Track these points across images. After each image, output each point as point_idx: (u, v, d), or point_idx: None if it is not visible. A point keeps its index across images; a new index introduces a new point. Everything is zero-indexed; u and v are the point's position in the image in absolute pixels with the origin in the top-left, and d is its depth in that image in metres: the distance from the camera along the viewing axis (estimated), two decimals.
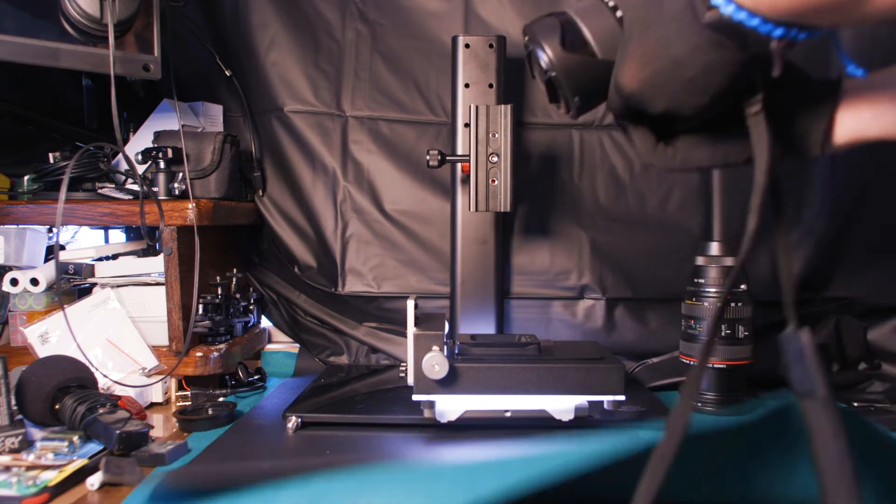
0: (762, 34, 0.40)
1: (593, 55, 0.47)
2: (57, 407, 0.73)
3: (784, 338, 0.42)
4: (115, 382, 0.84)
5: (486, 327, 1.01)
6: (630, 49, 0.46)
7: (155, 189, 0.94)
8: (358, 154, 1.09)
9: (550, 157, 1.07)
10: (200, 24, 1.10)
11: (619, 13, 0.46)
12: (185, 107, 1.03)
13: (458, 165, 0.98)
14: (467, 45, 0.96)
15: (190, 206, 0.90)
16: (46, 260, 0.99)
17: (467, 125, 0.91)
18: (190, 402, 0.90)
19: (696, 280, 0.89)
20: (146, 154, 0.94)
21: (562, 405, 0.77)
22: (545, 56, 0.47)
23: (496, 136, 0.88)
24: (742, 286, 0.87)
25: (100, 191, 0.96)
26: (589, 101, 0.49)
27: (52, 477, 0.62)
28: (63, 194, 0.84)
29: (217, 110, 1.10)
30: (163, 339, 0.92)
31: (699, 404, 0.88)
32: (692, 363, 0.89)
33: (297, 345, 1.15)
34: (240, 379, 0.99)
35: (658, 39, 0.44)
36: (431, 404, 0.76)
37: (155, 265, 0.94)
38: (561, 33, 0.47)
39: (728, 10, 0.40)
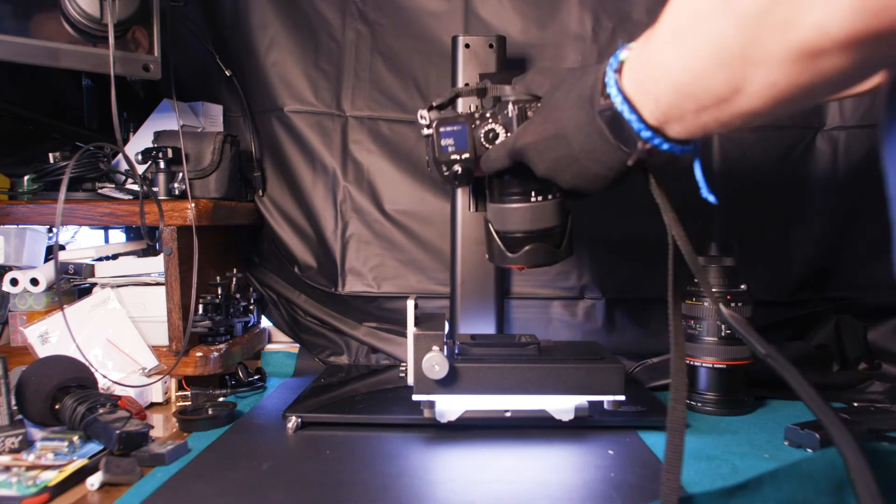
0: (634, 131, 0.47)
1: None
2: (57, 407, 0.73)
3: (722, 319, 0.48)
4: (115, 382, 0.84)
5: (486, 327, 1.01)
6: (535, 119, 0.56)
7: (155, 189, 0.94)
8: (358, 154, 1.09)
9: None
10: (200, 24, 1.10)
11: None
12: (185, 107, 1.03)
13: None
14: (467, 45, 0.96)
15: (190, 206, 0.90)
16: (46, 260, 0.99)
17: None
18: (190, 402, 0.90)
19: (696, 280, 0.89)
20: (146, 154, 0.94)
21: (562, 405, 0.77)
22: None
23: None
24: (742, 286, 0.87)
25: (100, 191, 0.96)
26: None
27: (52, 477, 0.62)
28: (63, 194, 0.84)
29: (217, 110, 1.10)
30: (163, 339, 0.92)
31: (699, 404, 0.88)
32: (692, 363, 0.89)
33: (297, 345, 1.15)
34: (240, 379, 0.99)
35: (558, 116, 0.53)
36: (431, 404, 0.76)
37: (155, 265, 0.94)
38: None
39: (617, 100, 0.46)
